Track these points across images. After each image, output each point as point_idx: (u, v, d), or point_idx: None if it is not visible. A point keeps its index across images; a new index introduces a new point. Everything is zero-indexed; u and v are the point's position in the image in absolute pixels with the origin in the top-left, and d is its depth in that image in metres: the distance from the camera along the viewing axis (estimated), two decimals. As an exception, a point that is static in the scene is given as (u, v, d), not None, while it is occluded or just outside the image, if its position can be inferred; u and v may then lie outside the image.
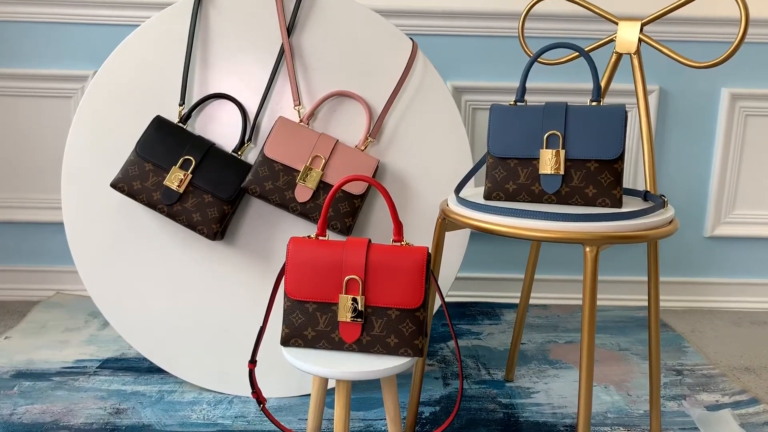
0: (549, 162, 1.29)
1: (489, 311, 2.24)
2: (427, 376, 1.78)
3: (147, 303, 1.66)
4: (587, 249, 1.17)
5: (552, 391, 1.72)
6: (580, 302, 2.33)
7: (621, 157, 1.28)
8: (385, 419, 1.55)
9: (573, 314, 2.23)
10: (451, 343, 2.00)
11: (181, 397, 1.65)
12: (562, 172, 1.29)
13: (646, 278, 2.30)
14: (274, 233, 1.64)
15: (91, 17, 2.13)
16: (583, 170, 1.28)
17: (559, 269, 2.33)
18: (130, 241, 1.65)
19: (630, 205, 1.31)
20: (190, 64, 1.64)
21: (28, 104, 2.19)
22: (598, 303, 2.32)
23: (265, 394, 1.65)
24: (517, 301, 2.29)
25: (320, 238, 1.24)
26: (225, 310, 1.66)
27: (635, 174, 2.25)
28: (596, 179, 1.28)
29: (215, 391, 1.68)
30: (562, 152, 1.28)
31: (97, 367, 1.80)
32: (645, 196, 1.38)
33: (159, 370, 1.77)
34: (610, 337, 2.07)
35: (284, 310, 1.23)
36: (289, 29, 1.63)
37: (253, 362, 1.33)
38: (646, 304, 2.31)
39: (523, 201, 1.32)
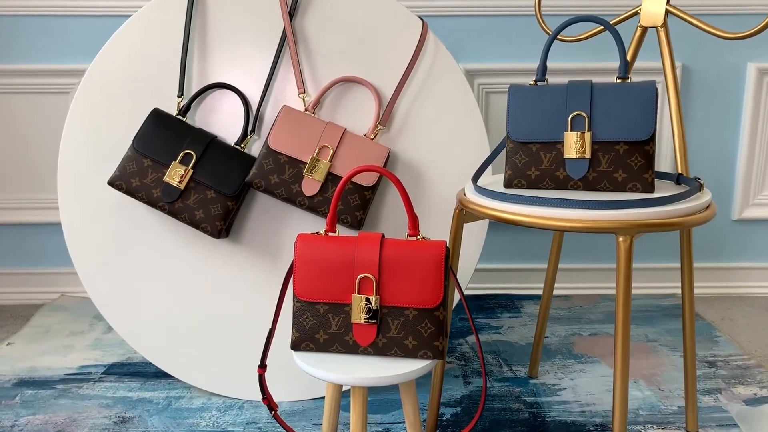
0: (574, 145, 1.20)
1: (508, 304, 2.15)
2: (447, 375, 1.70)
3: (150, 305, 1.59)
4: (620, 239, 1.08)
5: (579, 387, 1.63)
6: (602, 291, 2.23)
7: (652, 138, 1.18)
8: (404, 423, 1.47)
9: (596, 305, 2.14)
10: (471, 339, 1.91)
11: (190, 403, 1.58)
12: (588, 155, 1.19)
13: (671, 264, 2.20)
14: (282, 229, 1.55)
15: (85, 8, 2.04)
16: (611, 153, 1.19)
17: (580, 258, 2.23)
18: (131, 240, 1.57)
19: (662, 189, 1.22)
20: (188, 53, 1.55)
21: (24, 101, 2.11)
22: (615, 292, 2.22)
23: (276, 399, 1.58)
24: (537, 292, 2.20)
25: (330, 234, 1.15)
26: (232, 310, 1.58)
27: (656, 155, 2.14)
28: (626, 162, 1.18)
29: (225, 396, 1.61)
30: (588, 134, 1.19)
31: (102, 373, 1.73)
32: (678, 179, 1.28)
33: (166, 375, 1.69)
34: (637, 327, 1.97)
35: (294, 312, 1.15)
36: (291, 12, 1.53)
37: (262, 367, 1.25)
38: (672, 291, 2.21)
39: (547, 188, 1.22)
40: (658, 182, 1.27)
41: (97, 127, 1.56)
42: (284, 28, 1.53)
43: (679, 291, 2.17)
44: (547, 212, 1.10)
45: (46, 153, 2.14)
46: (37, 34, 2.07)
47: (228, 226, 1.53)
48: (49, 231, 2.19)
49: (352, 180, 1.45)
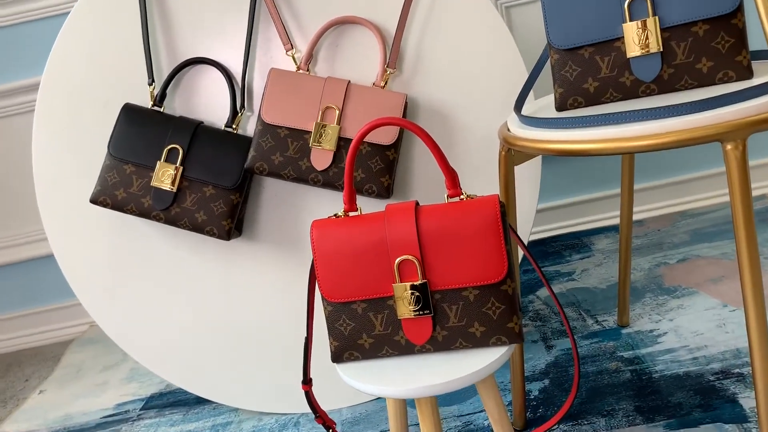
0: (638, 38, 0.92)
1: (575, 243, 1.89)
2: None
3: (169, 327, 1.38)
4: (729, 146, 0.81)
5: (682, 328, 1.38)
6: (678, 208, 1.94)
7: (740, 8, 0.90)
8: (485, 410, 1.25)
9: (675, 225, 1.86)
10: (542, 292, 1.67)
11: (239, 428, 1.38)
12: (658, 48, 0.92)
13: (760, 161, 1.90)
14: (301, 214, 1.32)
15: (16, 15, 1.80)
16: (688, 38, 0.91)
17: (645, 174, 1.94)
18: (133, 259, 1.36)
19: (762, 73, 0.93)
20: (149, 33, 1.31)
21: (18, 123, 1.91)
22: (703, 203, 1.93)
23: (333, 407, 1.37)
24: (606, 223, 1.93)
25: (350, 214, 0.91)
26: (263, 316, 1.36)
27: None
28: (709, 47, 0.91)
29: (276, 414, 1.40)
30: (654, 20, 0.91)
31: (141, 409, 1.54)
32: (777, 55, 0.99)
33: (209, 400, 1.50)
34: (730, 243, 1.69)
35: (326, 318, 0.92)
36: (258, -44, 1.27)
37: (307, 382, 1.04)
38: (762, 192, 1.91)
39: (613, 101, 0.96)
40: (754, 64, 0.99)
41: (68, 140, 1.34)
42: (253, -23, 1.27)
43: (769, 191, 1.88)
44: (623, 131, 0.83)
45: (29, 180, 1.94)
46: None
47: (238, 224, 1.31)
48: (62, 261, 2.01)
49: (368, 141, 1.20)
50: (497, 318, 0.87)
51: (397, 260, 0.86)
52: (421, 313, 0.87)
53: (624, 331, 1.41)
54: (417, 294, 0.87)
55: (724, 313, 1.38)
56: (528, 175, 1.30)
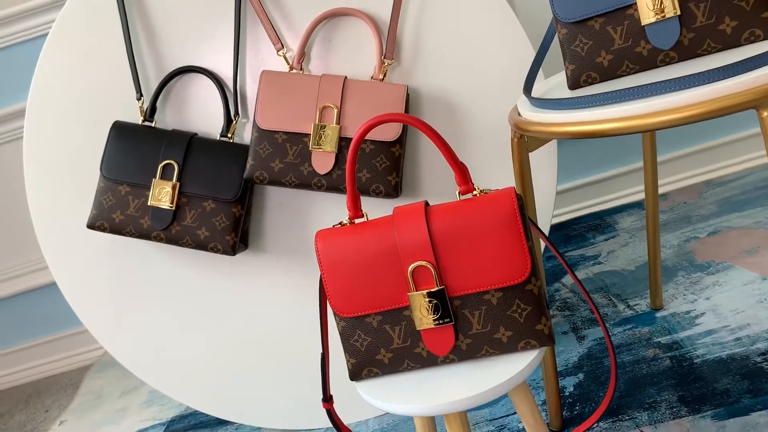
0: (652, 3, 0.85)
1: (599, 223, 1.81)
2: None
3: (183, 349, 1.33)
4: (765, 113, 0.73)
5: (721, 307, 1.30)
6: (703, 178, 1.85)
7: (763, -42, 0.82)
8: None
9: (702, 195, 1.77)
10: (568, 280, 1.59)
11: (264, 448, 1.33)
12: (675, 11, 0.84)
13: None
14: (307, 221, 1.26)
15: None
16: (708, -2, 0.83)
17: (667, 145, 1.85)
18: (139, 283, 1.31)
19: (791, 27, 0.85)
20: (132, 45, 1.25)
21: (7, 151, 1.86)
22: (729, 170, 1.84)
23: (358, 420, 1.31)
24: (629, 200, 1.85)
25: (356, 221, 0.84)
26: (279, 330, 1.30)
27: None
28: (732, 4, 0.82)
29: (302, 429, 1.35)
30: (669, -19, 0.83)
31: (162, 434, 1.50)
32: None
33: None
34: (763, 210, 1.60)
35: (340, 334, 0.85)
36: (239, -46, 1.20)
37: (327, 400, 0.97)
38: (789, 154, 1.82)
39: (630, 73, 0.88)
40: (782, 19, 0.90)
41: (60, 165, 1.29)
42: (236, -24, 1.20)
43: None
44: (647, 106, 0.75)
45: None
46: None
47: (243, 236, 1.25)
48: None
49: (370, 138, 1.14)
50: (524, 321, 0.80)
51: (411, 267, 0.80)
52: (441, 321, 0.80)
53: (658, 314, 1.34)
54: (435, 302, 0.80)
55: (764, 287, 1.30)
56: (544, 156, 1.23)
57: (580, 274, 1.59)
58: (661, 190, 1.86)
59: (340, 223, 0.85)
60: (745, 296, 1.30)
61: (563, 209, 1.89)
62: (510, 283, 0.79)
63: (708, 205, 1.71)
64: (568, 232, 1.81)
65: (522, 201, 0.80)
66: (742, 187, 1.73)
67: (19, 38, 1.76)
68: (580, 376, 1.24)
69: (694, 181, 1.86)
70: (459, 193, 0.82)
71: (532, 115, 0.90)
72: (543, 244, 1.27)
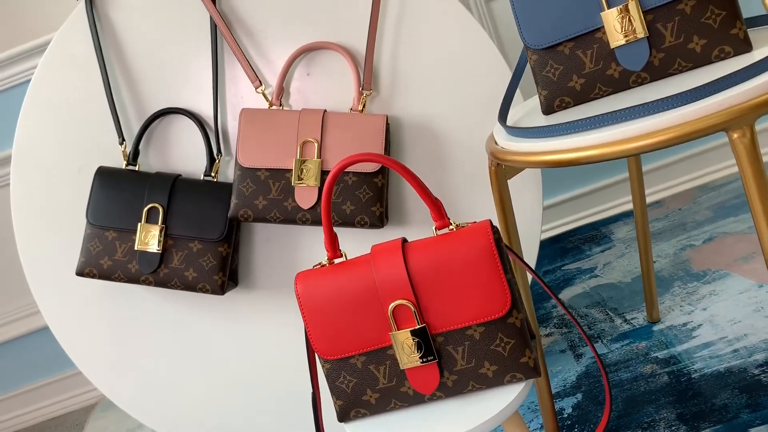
0: (620, 26, 0.84)
1: (594, 235, 1.80)
2: (550, 353, 1.38)
3: (181, 391, 1.32)
4: (735, 135, 0.72)
5: (717, 318, 1.28)
6: (697, 183, 1.84)
7: (727, -24, 0.82)
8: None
9: (696, 201, 1.76)
10: (564, 295, 1.58)
11: (266, 484, 1.32)
12: (644, 32, 0.83)
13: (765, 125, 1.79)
14: (296, 255, 1.26)
15: None
16: (675, 18, 0.83)
17: (659, 151, 1.84)
18: (131, 326, 1.30)
19: (762, 43, 0.85)
20: (112, 90, 1.25)
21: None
22: (722, 174, 1.83)
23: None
24: (624, 209, 1.84)
25: (334, 262, 0.84)
26: (274, 368, 1.30)
27: None
28: (700, 23, 0.82)
29: (303, 464, 1.34)
30: (635, 3, 0.83)
31: (166, 474, 1.49)
32: (776, 19, 0.90)
33: (233, 455, 1.44)
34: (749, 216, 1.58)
35: (326, 377, 0.85)
36: (212, -6, 1.21)
37: (322, 438, 0.97)
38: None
39: (603, 96, 0.88)
40: (752, 34, 0.90)
41: (47, 212, 1.29)
42: (211, 16, 1.21)
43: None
44: (621, 132, 0.75)
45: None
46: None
47: (232, 275, 1.24)
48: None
49: (352, 170, 1.13)
50: (508, 354, 0.79)
51: (391, 306, 0.79)
52: (425, 360, 0.80)
53: (655, 327, 1.33)
54: (417, 340, 0.79)
55: (760, 295, 1.29)
56: (528, 175, 1.22)
57: (577, 289, 1.57)
58: (655, 197, 1.85)
59: (319, 264, 0.84)
60: (742, 305, 1.29)
61: (558, 222, 1.88)
62: (491, 317, 0.78)
63: (703, 211, 1.70)
64: (564, 245, 1.80)
65: (498, 234, 0.79)
66: (735, 190, 1.72)
67: (2, 86, 1.77)
68: (579, 396, 1.22)
69: (688, 187, 1.85)
70: (435, 228, 0.82)
71: (508, 144, 0.89)
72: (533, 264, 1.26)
